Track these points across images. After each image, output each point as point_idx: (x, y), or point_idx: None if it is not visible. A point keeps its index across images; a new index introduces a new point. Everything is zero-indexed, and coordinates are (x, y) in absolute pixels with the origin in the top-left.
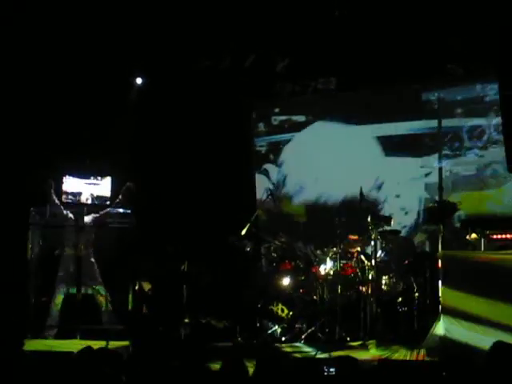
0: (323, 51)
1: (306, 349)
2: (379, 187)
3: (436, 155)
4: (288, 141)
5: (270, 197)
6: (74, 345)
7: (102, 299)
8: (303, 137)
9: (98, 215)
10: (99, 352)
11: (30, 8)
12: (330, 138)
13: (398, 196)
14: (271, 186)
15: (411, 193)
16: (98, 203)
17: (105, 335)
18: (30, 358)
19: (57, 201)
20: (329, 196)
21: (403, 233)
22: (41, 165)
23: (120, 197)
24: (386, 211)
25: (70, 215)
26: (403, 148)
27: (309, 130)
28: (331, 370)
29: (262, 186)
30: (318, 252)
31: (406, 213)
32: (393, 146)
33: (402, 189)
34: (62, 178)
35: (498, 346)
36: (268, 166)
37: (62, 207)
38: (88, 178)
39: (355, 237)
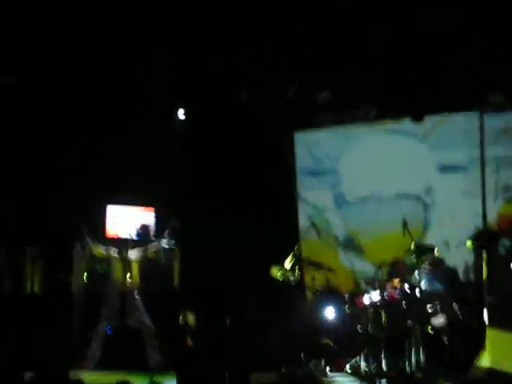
0: (363, 80)
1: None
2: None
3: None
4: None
5: (312, 227)
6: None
7: (147, 332)
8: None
9: (143, 249)
10: None
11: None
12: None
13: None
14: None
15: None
16: (142, 237)
17: (150, 369)
18: None
19: (94, 245)
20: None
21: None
22: (86, 196)
23: (165, 234)
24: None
25: (114, 253)
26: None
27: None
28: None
29: (304, 216)
30: (362, 281)
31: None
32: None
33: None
34: (106, 210)
35: None
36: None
37: (103, 246)
38: (132, 210)
39: (399, 265)
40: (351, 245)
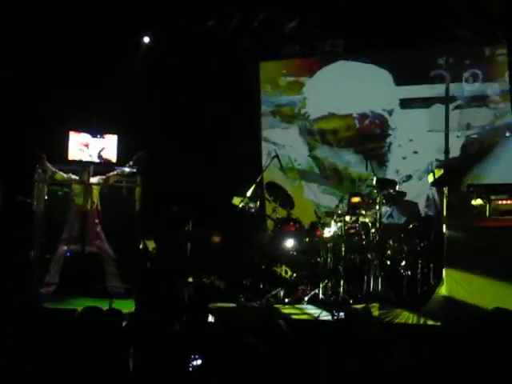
0: (332, 13)
1: (309, 310)
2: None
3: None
4: (294, 102)
5: (275, 159)
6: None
7: (107, 258)
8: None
9: (104, 177)
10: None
11: None
12: None
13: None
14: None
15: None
16: (104, 162)
17: (108, 294)
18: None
19: (53, 168)
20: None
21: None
22: (47, 122)
23: (131, 163)
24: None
25: (74, 176)
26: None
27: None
28: (341, 314)
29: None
30: (323, 214)
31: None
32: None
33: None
34: (69, 135)
35: (498, 312)
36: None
37: (61, 172)
38: (94, 136)
39: (357, 199)
40: (313, 175)
